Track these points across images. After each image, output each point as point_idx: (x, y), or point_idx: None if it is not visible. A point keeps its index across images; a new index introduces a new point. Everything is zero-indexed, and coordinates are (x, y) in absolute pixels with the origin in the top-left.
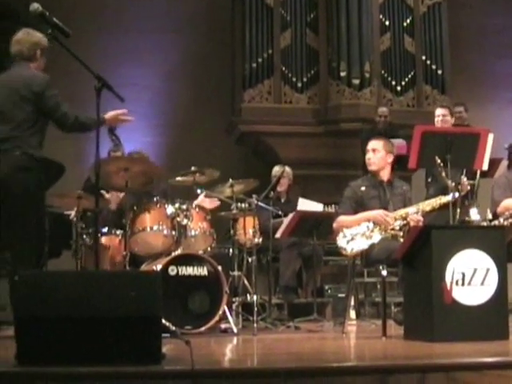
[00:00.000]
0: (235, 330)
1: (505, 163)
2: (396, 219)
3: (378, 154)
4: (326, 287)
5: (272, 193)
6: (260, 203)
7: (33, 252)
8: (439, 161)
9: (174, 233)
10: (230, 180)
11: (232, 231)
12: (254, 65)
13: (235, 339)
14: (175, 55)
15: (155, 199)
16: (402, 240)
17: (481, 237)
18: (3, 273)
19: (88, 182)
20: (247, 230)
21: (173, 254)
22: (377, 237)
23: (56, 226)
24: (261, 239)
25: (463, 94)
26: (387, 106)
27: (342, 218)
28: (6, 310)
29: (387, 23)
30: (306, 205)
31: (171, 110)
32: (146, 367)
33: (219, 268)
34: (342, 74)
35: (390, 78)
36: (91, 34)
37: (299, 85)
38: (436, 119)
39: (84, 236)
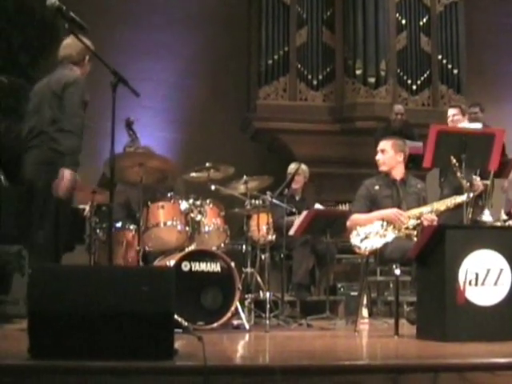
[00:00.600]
0: (247, 327)
1: None
2: (410, 218)
3: (386, 155)
4: (339, 285)
5: (286, 190)
6: (274, 200)
7: (49, 246)
8: (454, 160)
9: (187, 228)
10: (245, 177)
11: (246, 228)
12: (270, 62)
13: (247, 336)
14: (191, 51)
15: (169, 195)
16: (415, 239)
17: (494, 237)
18: (16, 267)
19: (103, 177)
20: (261, 227)
21: (186, 250)
22: (391, 236)
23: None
24: (274, 236)
25: (478, 93)
26: (402, 105)
27: (356, 217)
28: (18, 304)
29: (403, 22)
30: None
31: (186, 106)
32: (158, 362)
33: (232, 264)
34: (358, 72)
35: (405, 77)
36: (107, 28)
37: (315, 82)
38: (448, 119)
39: (97, 230)
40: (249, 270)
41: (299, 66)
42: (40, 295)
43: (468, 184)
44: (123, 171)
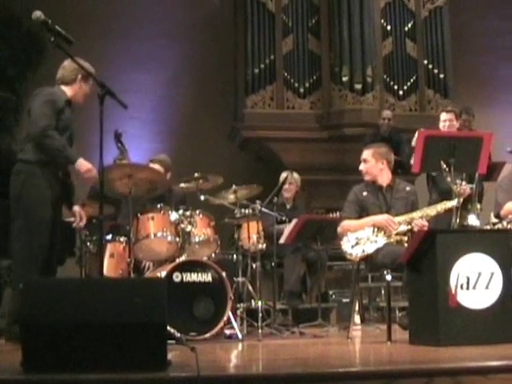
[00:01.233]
0: (240, 336)
1: (509, 166)
2: (400, 224)
3: (368, 164)
4: (331, 292)
5: (276, 198)
6: (263, 209)
7: (28, 260)
8: (444, 166)
9: (178, 239)
10: (234, 186)
11: (236, 237)
12: (257, 70)
13: (240, 345)
14: (178, 61)
15: (159, 206)
16: (406, 245)
17: (485, 240)
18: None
19: (93, 189)
20: (251, 236)
21: (177, 261)
22: (381, 241)
23: (60, 234)
24: (265, 245)
25: (466, 97)
26: (390, 111)
27: (347, 223)
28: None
29: (389, 28)
30: None
31: (174, 117)
32: (151, 374)
33: (223, 274)
34: (345, 78)
35: (392, 83)
36: (93, 40)
37: (301, 90)
38: (442, 124)
39: (88, 243)
40: (240, 279)
41: (286, 74)
42: (32, 308)
43: (458, 189)
44: (112, 183)
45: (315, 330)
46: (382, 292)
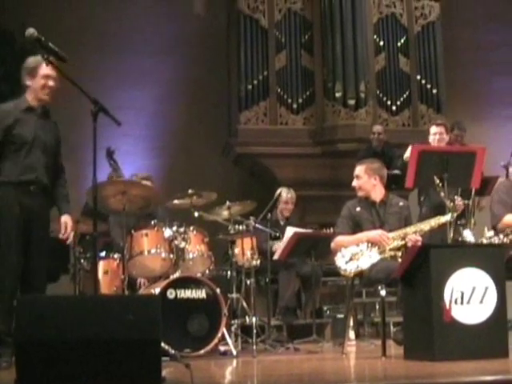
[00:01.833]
0: (234, 353)
1: (501, 180)
2: (394, 239)
3: (360, 180)
4: (325, 308)
5: (270, 214)
6: (257, 225)
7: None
8: (438, 181)
9: (171, 256)
10: (227, 202)
11: (230, 253)
12: (250, 86)
13: (235, 361)
14: (171, 77)
15: (153, 222)
16: (400, 260)
17: (479, 255)
18: None
19: (86, 206)
20: (245, 252)
21: (171, 277)
22: (375, 257)
23: (53, 251)
24: (259, 261)
25: (459, 111)
26: (383, 126)
27: (340, 239)
28: None
29: (381, 43)
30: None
31: (167, 133)
32: None
33: (218, 290)
34: (338, 94)
35: (385, 98)
36: (87, 57)
37: (295, 106)
38: (432, 137)
39: (82, 260)
40: (234, 295)
41: (279, 90)
42: (26, 326)
43: (451, 204)
44: (106, 200)
45: (310, 345)
46: (377, 307)
